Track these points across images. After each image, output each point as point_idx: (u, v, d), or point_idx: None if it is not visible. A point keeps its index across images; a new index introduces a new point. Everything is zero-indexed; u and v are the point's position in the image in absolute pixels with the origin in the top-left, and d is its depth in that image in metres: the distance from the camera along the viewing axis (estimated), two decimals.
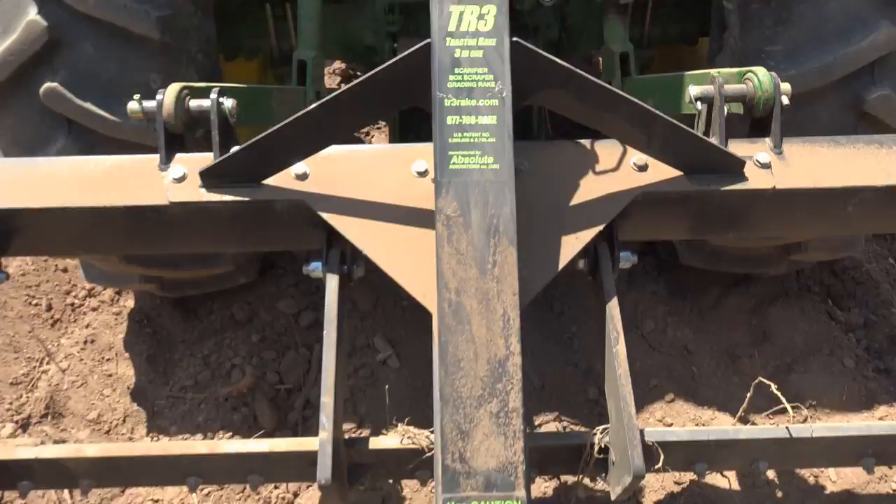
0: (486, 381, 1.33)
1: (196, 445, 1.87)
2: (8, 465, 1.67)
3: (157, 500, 2.34)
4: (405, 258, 1.55)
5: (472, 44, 1.45)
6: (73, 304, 2.97)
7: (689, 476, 2.28)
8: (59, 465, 1.68)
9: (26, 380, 2.70)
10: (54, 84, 1.96)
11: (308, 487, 2.33)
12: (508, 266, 1.37)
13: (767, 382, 1.67)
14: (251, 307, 2.87)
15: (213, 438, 2.47)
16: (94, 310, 2.93)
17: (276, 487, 2.34)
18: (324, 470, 1.43)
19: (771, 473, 2.31)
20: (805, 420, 2.31)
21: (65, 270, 3.04)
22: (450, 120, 1.42)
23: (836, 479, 2.35)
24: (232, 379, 2.63)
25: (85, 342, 2.79)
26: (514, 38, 1.46)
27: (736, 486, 2.29)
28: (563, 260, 1.56)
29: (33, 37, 1.92)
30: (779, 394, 1.65)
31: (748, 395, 1.74)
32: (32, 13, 1.92)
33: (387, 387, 2.44)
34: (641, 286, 2.92)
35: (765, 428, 1.93)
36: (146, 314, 2.86)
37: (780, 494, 2.31)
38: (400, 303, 2.81)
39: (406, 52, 1.48)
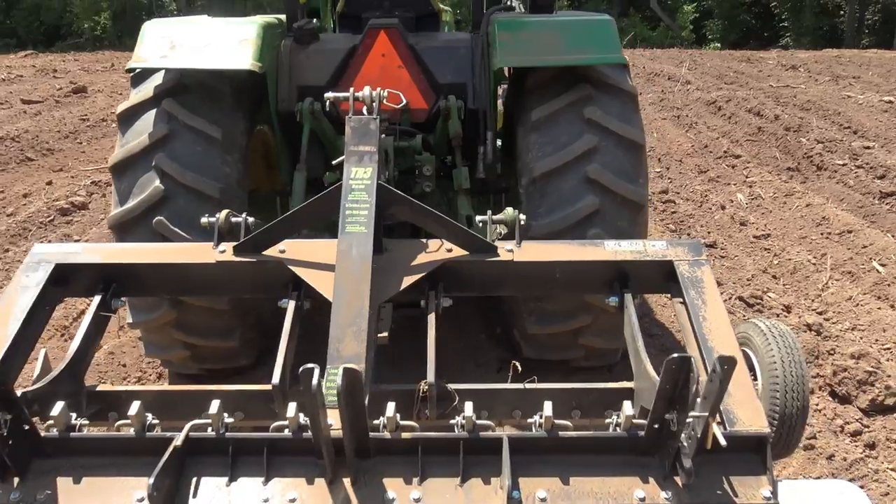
0: (351, 319, 2.90)
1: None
2: None
3: None
4: (326, 284, 3.18)
5: (360, 185, 3.23)
6: None
7: None
8: None
9: None
10: (161, 217, 3.73)
11: None
12: (367, 274, 3.02)
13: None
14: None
15: None
16: None
17: None
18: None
19: None
20: None
21: None
22: (348, 212, 3.15)
23: None
24: None
25: None
26: (378, 182, 3.24)
27: None
28: (404, 285, 3.18)
29: (155, 194, 3.74)
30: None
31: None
32: (157, 183, 3.76)
33: None
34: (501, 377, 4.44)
35: None
36: None
37: None
38: None
39: (331, 187, 3.26)
